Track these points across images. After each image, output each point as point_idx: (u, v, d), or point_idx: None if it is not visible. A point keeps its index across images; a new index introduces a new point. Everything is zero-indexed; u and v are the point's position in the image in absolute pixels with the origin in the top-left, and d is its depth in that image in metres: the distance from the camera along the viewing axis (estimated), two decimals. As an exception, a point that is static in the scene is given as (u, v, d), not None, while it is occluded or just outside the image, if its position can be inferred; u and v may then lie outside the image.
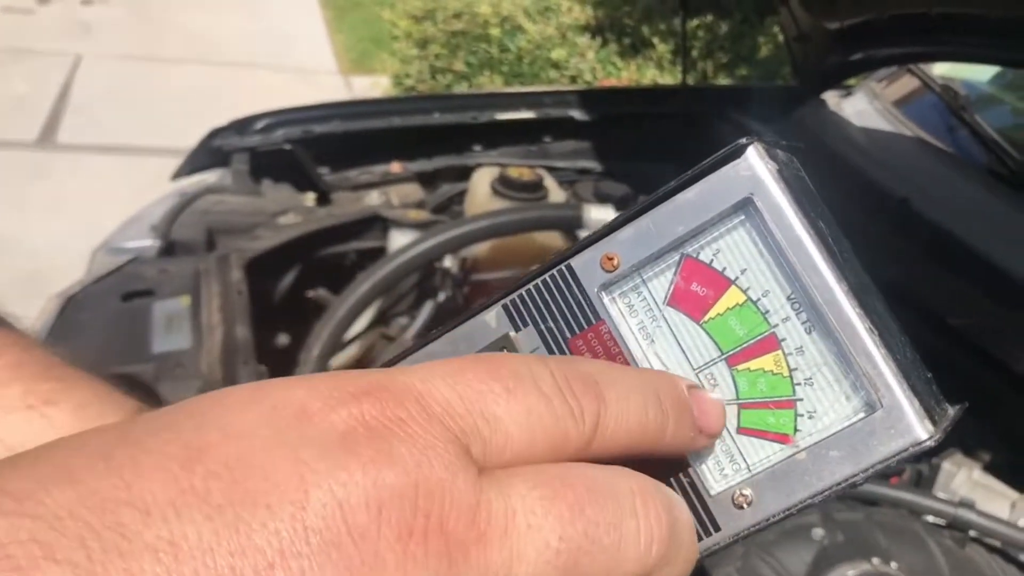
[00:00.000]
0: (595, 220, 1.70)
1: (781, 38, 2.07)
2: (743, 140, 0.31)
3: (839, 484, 0.31)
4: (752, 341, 0.32)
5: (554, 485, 0.26)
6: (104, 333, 1.36)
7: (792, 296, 0.31)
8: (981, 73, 2.04)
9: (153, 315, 1.37)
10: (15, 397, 0.41)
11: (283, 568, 0.21)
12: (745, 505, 0.32)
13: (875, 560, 1.05)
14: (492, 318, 0.35)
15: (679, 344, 0.33)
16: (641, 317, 0.34)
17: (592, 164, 2.11)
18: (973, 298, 1.29)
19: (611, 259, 0.33)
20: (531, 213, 1.69)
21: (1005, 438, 1.31)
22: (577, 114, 2.06)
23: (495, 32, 5.09)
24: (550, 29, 5.33)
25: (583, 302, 0.34)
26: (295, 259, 1.69)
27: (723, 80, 5.14)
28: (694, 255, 0.32)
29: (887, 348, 0.30)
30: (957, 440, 1.31)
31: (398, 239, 1.76)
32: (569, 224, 1.74)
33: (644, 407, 0.30)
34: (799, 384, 0.31)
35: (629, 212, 0.33)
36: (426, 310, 1.73)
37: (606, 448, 0.29)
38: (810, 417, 0.31)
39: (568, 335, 0.34)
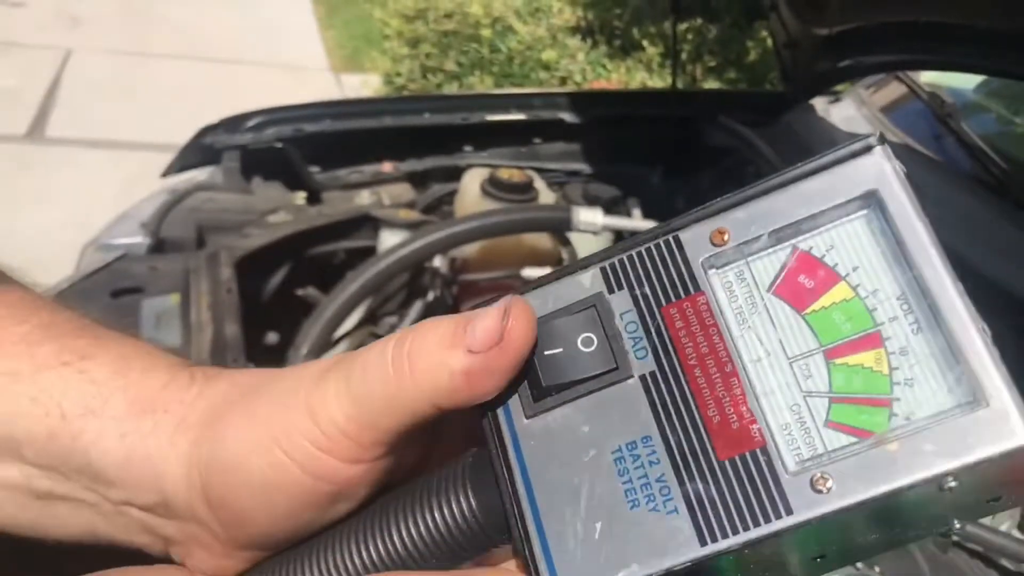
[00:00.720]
0: (584, 222, 1.71)
1: (770, 43, 2.08)
2: (872, 139, 0.32)
3: (929, 479, 0.29)
4: (855, 336, 0.31)
5: None
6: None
7: (902, 295, 0.31)
8: (967, 81, 2.06)
9: (142, 312, 1.37)
10: (49, 355, 0.39)
11: None
12: (824, 490, 0.30)
13: (858, 564, 1.06)
14: (587, 278, 0.36)
15: (776, 330, 0.33)
16: (741, 298, 0.33)
17: (582, 166, 2.12)
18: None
19: (722, 234, 0.33)
20: (521, 214, 1.70)
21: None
22: (567, 116, 2.07)
23: (486, 32, 5.09)
24: (541, 30, 5.34)
25: (684, 272, 0.34)
26: (285, 257, 1.70)
27: (712, 84, 5.16)
28: (807, 249, 0.32)
29: (998, 351, 0.29)
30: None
31: (388, 239, 1.77)
32: (558, 225, 1.75)
33: None
34: (898, 383, 0.31)
35: (747, 191, 0.33)
36: (415, 309, 1.73)
37: None
38: (906, 419, 0.30)
39: (663, 302, 0.34)
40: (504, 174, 1.85)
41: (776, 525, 0.30)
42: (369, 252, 1.78)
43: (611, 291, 0.35)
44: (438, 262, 1.77)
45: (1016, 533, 1.16)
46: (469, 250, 1.81)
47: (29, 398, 0.38)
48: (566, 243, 1.87)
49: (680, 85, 4.10)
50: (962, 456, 0.28)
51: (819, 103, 2.06)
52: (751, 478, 0.31)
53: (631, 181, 2.06)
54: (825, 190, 0.32)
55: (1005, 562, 1.15)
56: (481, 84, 4.77)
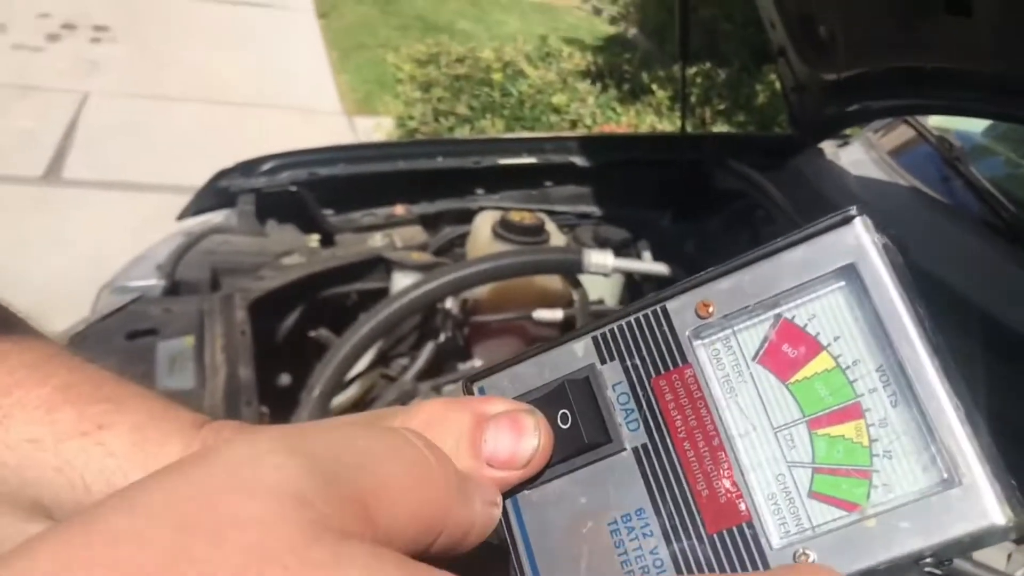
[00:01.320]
0: (595, 264, 1.72)
1: (778, 87, 2.11)
2: (852, 210, 0.32)
3: (903, 557, 0.30)
4: (836, 407, 0.32)
5: None
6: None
7: (882, 367, 0.31)
8: (975, 125, 2.07)
9: (157, 355, 1.38)
10: (69, 423, 0.41)
11: None
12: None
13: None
14: (580, 348, 0.37)
15: (761, 400, 0.33)
16: (727, 368, 0.34)
17: (592, 209, 2.13)
18: (968, 349, 1.30)
19: (707, 306, 0.34)
20: (532, 257, 1.71)
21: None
22: (578, 160, 2.09)
23: (497, 77, 5.16)
24: (551, 75, 5.41)
25: (672, 344, 0.35)
26: (298, 299, 1.71)
27: (721, 127, 5.19)
28: (790, 317, 0.33)
29: (972, 428, 0.30)
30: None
31: (401, 281, 1.78)
32: (569, 268, 1.76)
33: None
34: (877, 455, 0.31)
35: (731, 264, 0.34)
36: (427, 351, 1.74)
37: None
38: (885, 489, 0.31)
39: (652, 374, 0.35)
40: (516, 217, 1.87)
41: None
42: (381, 294, 1.79)
43: (603, 361, 0.36)
44: (450, 304, 1.78)
45: (1030, 578, 1.16)
46: (481, 292, 1.82)
47: (54, 468, 0.40)
48: (577, 285, 1.88)
49: (689, 129, 4.13)
50: (937, 535, 0.29)
51: (828, 147, 2.07)
52: (738, 551, 0.32)
53: (641, 224, 2.08)
54: (806, 261, 0.32)
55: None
56: (492, 127, 4.82)
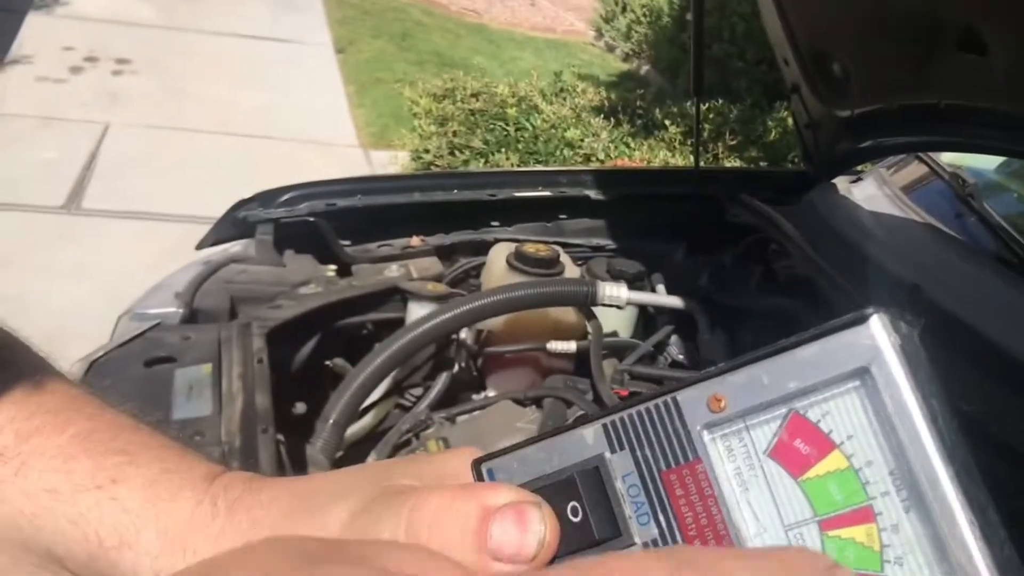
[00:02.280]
0: (609, 296, 1.73)
1: (791, 123, 2.12)
2: (869, 309, 0.31)
3: None
4: (848, 509, 0.31)
5: None
6: (126, 399, 1.38)
7: (895, 472, 0.31)
8: (988, 161, 2.08)
9: (175, 382, 1.39)
10: (85, 474, 0.41)
11: None
12: None
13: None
14: (590, 435, 0.36)
15: (773, 497, 0.33)
16: (739, 463, 0.33)
17: (606, 242, 2.15)
18: (984, 384, 1.31)
19: (719, 400, 0.33)
20: (546, 288, 1.72)
21: (1018, 524, 1.32)
22: (592, 193, 2.11)
23: (512, 112, 5.20)
24: (565, 110, 5.45)
25: (683, 437, 0.34)
26: (315, 328, 1.72)
27: (733, 162, 5.22)
28: (802, 412, 0.32)
29: (986, 541, 0.29)
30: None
31: (416, 311, 1.79)
32: (583, 300, 1.77)
33: None
34: (888, 561, 0.31)
35: (744, 358, 0.33)
36: (441, 381, 1.75)
37: None
38: None
39: (663, 467, 0.34)
40: (530, 249, 1.88)
41: None
42: (397, 324, 1.80)
43: (613, 450, 0.35)
44: (464, 334, 1.79)
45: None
46: (495, 323, 1.83)
47: (69, 520, 0.41)
48: (591, 317, 1.89)
49: (702, 163, 4.14)
50: None
51: (841, 182, 2.08)
52: None
53: (655, 257, 2.09)
54: (821, 361, 0.32)
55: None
56: (507, 161, 4.86)
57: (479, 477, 0.38)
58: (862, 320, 0.31)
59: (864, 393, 0.31)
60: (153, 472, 0.42)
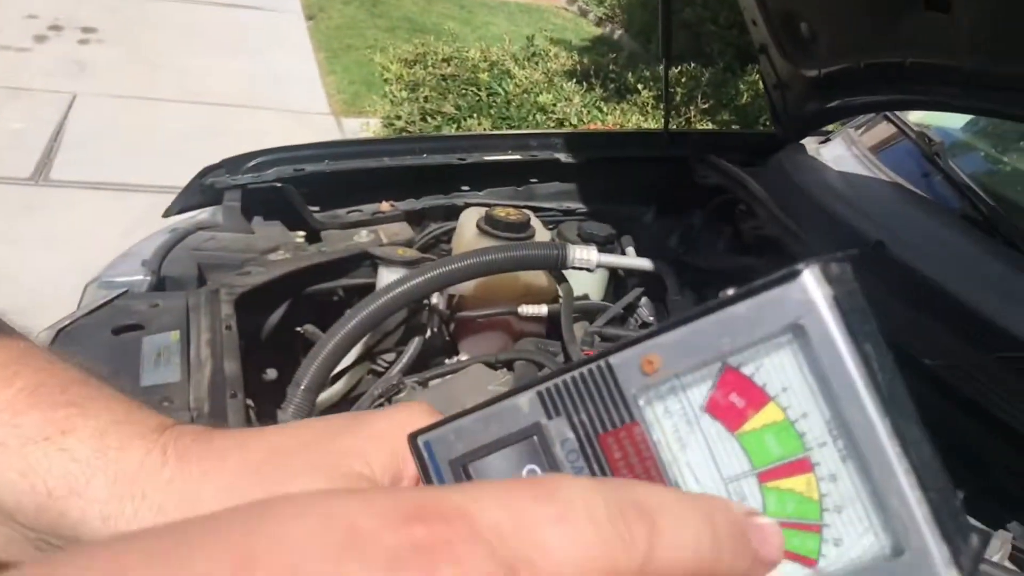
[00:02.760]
0: (579, 259, 1.74)
1: (761, 85, 2.13)
2: (800, 264, 0.31)
3: None
4: (786, 460, 0.32)
5: None
6: (94, 366, 1.37)
7: (831, 422, 0.31)
8: (955, 121, 2.10)
9: (143, 349, 1.38)
10: (33, 427, 0.41)
11: None
12: None
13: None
14: (525, 403, 0.35)
15: (711, 453, 0.33)
16: (676, 421, 0.33)
17: (577, 205, 2.15)
18: (946, 339, 1.32)
19: (651, 362, 0.33)
20: (516, 252, 1.72)
21: (977, 475, 1.34)
22: (563, 156, 2.11)
23: (484, 76, 5.17)
24: (537, 74, 5.43)
25: (619, 400, 0.34)
26: (284, 295, 1.72)
27: (705, 125, 5.22)
28: (736, 366, 0.32)
29: (921, 489, 0.29)
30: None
31: (386, 276, 1.79)
32: (554, 263, 1.77)
33: (698, 536, 0.29)
34: (828, 510, 0.31)
35: (675, 319, 0.33)
36: (413, 346, 1.75)
37: None
38: (836, 544, 0.31)
39: (600, 431, 0.34)
40: (501, 213, 1.88)
41: None
42: (367, 290, 1.80)
43: (549, 417, 0.35)
44: (436, 299, 1.79)
45: (1008, 564, 1.17)
46: (466, 287, 1.83)
47: (18, 472, 0.41)
48: (562, 280, 1.89)
49: (673, 127, 4.14)
50: None
51: (809, 143, 2.09)
52: None
53: (625, 220, 2.09)
54: (753, 317, 0.31)
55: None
56: (479, 126, 4.84)
57: (416, 450, 0.37)
58: (794, 275, 0.31)
59: (798, 347, 0.31)
60: (103, 423, 0.42)
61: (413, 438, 0.37)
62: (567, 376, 0.34)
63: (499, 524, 0.26)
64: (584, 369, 0.34)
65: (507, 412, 0.36)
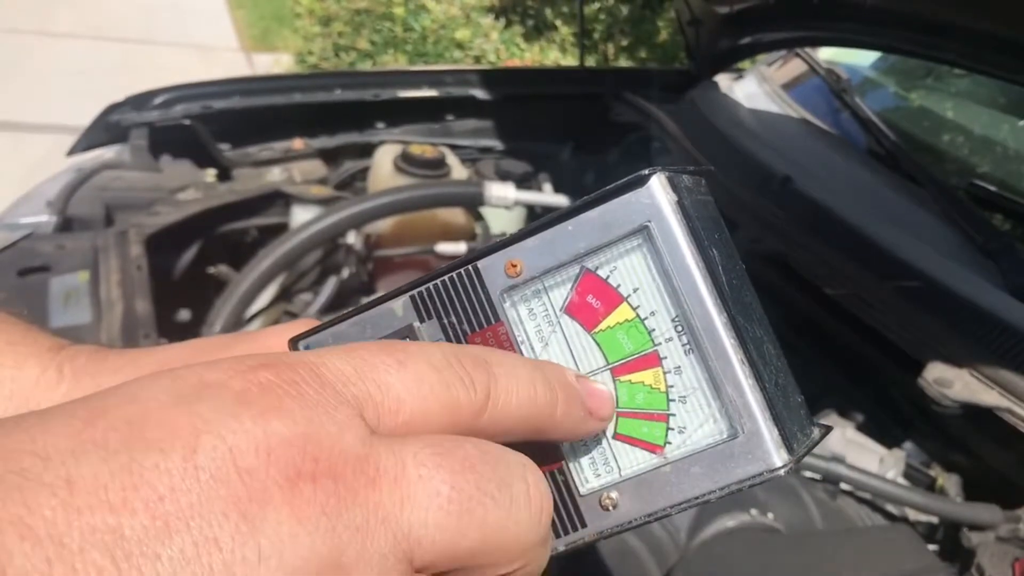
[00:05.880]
0: (496, 197, 1.74)
1: (676, 23, 2.14)
2: (647, 171, 0.33)
3: (696, 499, 0.33)
4: (636, 355, 0.34)
5: (446, 445, 0.28)
6: (-1, 308, 1.33)
7: (676, 319, 0.33)
8: (864, 58, 2.14)
9: (51, 291, 1.35)
10: None
11: (172, 501, 0.22)
12: (611, 507, 0.34)
13: (753, 511, 1.12)
14: (399, 307, 0.37)
15: (570, 350, 0.35)
16: (539, 321, 0.36)
17: (494, 142, 2.14)
18: (848, 270, 1.37)
19: (515, 266, 0.35)
20: (434, 190, 1.72)
21: (876, 400, 1.41)
22: (479, 93, 2.09)
23: (399, 11, 5.07)
24: (454, 9, 5.34)
25: (485, 302, 0.36)
26: (196, 235, 1.68)
27: (623, 62, 5.22)
28: (592, 269, 0.34)
29: (756, 378, 0.32)
30: (833, 402, 1.40)
31: (300, 215, 1.77)
32: (471, 200, 1.77)
33: (532, 383, 0.31)
34: (673, 400, 0.34)
35: (535, 224, 0.35)
36: (329, 286, 1.74)
37: (499, 420, 0.30)
38: (680, 432, 0.34)
39: (468, 331, 0.36)
40: (417, 150, 1.87)
41: (571, 538, 0.35)
42: (281, 229, 1.78)
43: (421, 320, 0.37)
44: (352, 238, 1.78)
45: (901, 480, 1.24)
46: (383, 226, 1.83)
47: None
48: (479, 218, 1.90)
49: (591, 64, 4.14)
50: (723, 479, 0.33)
51: (723, 80, 2.11)
52: (554, 496, 0.35)
53: (542, 157, 2.10)
54: (607, 221, 0.33)
55: (890, 507, 1.22)
56: (395, 63, 4.76)
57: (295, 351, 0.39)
58: (642, 181, 0.33)
59: (646, 249, 0.33)
60: None
61: (294, 342, 0.39)
62: (438, 281, 0.37)
63: (342, 370, 0.27)
64: (453, 273, 0.36)
65: (382, 316, 0.37)
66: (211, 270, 1.73)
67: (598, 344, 0.35)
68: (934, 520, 1.20)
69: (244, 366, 0.26)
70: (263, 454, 0.24)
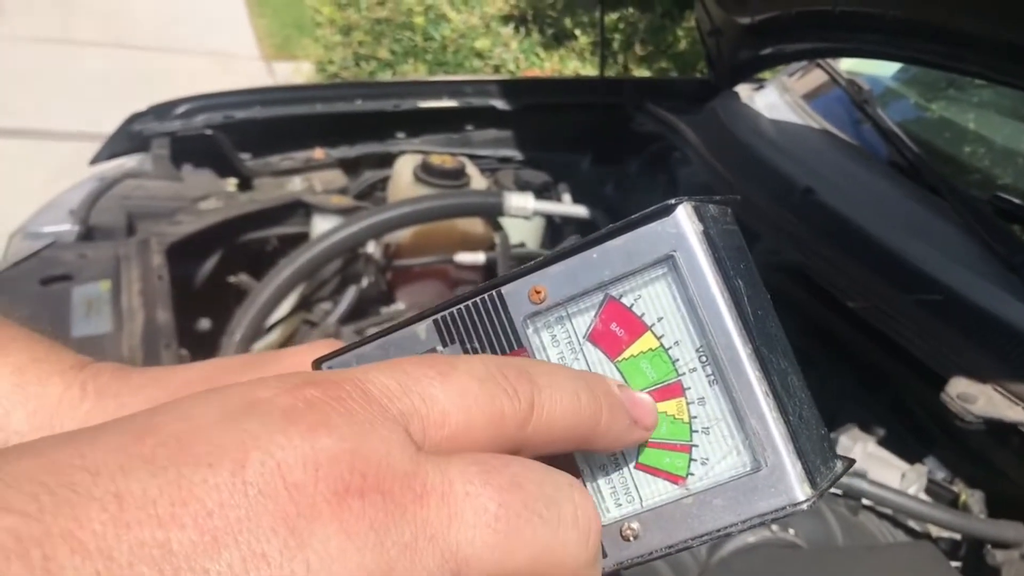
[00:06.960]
0: (516, 207, 1.74)
1: (697, 33, 2.13)
2: (673, 200, 0.33)
3: (717, 531, 0.33)
4: (660, 385, 0.34)
5: (492, 463, 0.28)
6: (22, 318, 1.34)
7: (700, 349, 0.33)
8: (886, 69, 2.13)
9: (72, 300, 1.36)
10: None
11: (221, 516, 0.22)
12: (632, 538, 0.34)
13: (774, 527, 1.11)
14: (423, 330, 0.37)
15: None
16: (562, 348, 0.35)
17: (513, 152, 2.14)
18: (870, 282, 1.36)
19: (539, 292, 0.35)
20: (453, 200, 1.72)
21: (897, 413, 1.40)
22: (499, 103, 2.10)
23: (419, 20, 5.09)
24: (474, 19, 5.36)
25: (508, 328, 0.35)
26: (217, 244, 1.69)
27: (643, 72, 5.22)
28: (617, 297, 0.34)
29: (780, 411, 0.32)
30: (853, 416, 1.39)
31: (321, 225, 1.77)
32: (491, 211, 1.78)
33: (576, 393, 0.31)
34: (696, 432, 0.34)
35: (561, 250, 0.35)
36: (349, 296, 1.74)
37: (544, 431, 0.30)
38: (703, 463, 0.34)
39: None
40: (436, 160, 1.87)
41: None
42: (301, 239, 1.78)
43: (444, 344, 0.37)
44: (371, 248, 1.78)
45: (923, 496, 1.23)
46: (402, 236, 1.83)
47: None
48: (498, 228, 1.90)
49: (611, 73, 4.14)
50: (745, 512, 0.32)
51: (743, 90, 2.11)
52: None
53: (561, 167, 2.10)
54: (632, 249, 0.33)
55: (912, 523, 1.21)
56: (414, 72, 4.77)
57: None
58: (668, 211, 0.33)
59: (672, 278, 0.33)
60: (22, 361, 0.42)
61: (317, 364, 0.39)
62: (462, 305, 0.36)
63: (387, 385, 0.27)
64: (477, 299, 0.36)
65: (405, 339, 0.37)
66: (232, 279, 1.74)
67: (621, 372, 0.35)
68: (957, 537, 1.19)
69: (291, 383, 0.27)
70: (311, 469, 0.24)
